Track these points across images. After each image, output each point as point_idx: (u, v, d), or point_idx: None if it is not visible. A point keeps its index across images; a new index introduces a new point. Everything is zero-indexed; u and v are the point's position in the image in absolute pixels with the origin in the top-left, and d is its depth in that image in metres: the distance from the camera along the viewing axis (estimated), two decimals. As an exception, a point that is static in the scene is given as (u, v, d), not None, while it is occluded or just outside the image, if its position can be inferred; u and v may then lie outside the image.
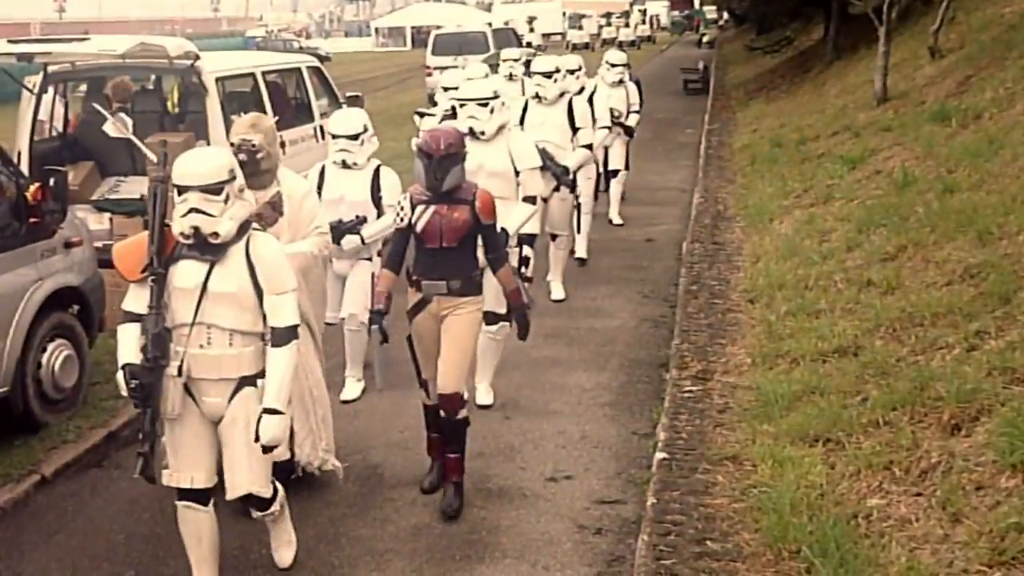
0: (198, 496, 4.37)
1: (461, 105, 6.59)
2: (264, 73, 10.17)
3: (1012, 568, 3.86)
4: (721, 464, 5.33)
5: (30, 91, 9.18)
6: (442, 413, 5.28)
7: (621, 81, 11.39)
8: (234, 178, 4.24)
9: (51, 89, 9.53)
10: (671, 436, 5.75)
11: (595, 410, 6.61)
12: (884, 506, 4.53)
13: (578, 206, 9.46)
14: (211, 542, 4.46)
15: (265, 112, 9.81)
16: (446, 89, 9.29)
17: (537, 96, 8.53)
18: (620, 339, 7.99)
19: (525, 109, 8.57)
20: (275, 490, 4.53)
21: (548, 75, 8.56)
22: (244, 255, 4.23)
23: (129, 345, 4.23)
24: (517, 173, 6.54)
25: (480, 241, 5.31)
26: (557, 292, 9.03)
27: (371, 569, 4.80)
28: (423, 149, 5.17)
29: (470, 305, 5.31)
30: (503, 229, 5.83)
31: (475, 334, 5.41)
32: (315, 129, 10.77)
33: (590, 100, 9.50)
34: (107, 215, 8.75)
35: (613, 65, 11.44)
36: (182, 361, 4.22)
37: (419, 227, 5.21)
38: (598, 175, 10.55)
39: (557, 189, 8.34)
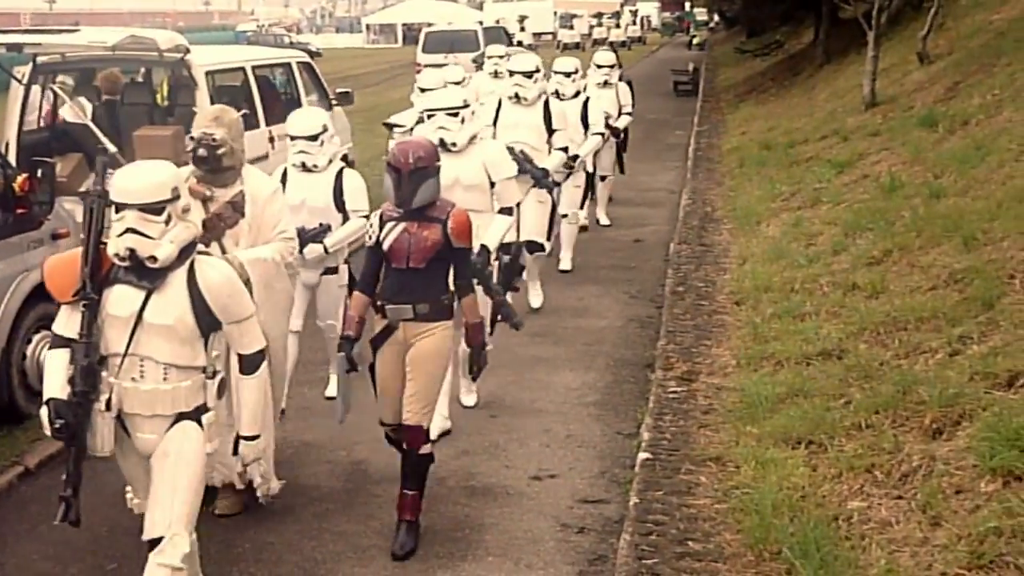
0: None
1: (429, 116, 6.22)
2: (254, 68, 10.15)
3: (991, 571, 3.89)
4: (704, 465, 5.35)
5: (19, 81, 9.15)
6: (403, 445, 4.98)
7: (607, 83, 11.12)
8: (177, 197, 3.88)
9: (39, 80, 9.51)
10: (655, 436, 5.77)
11: (580, 409, 6.63)
12: (865, 508, 4.56)
13: (560, 215, 9.12)
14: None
15: (254, 107, 9.82)
16: (423, 91, 8.98)
17: (516, 96, 8.16)
18: (606, 339, 8.00)
19: (499, 109, 8.24)
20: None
21: (528, 75, 8.21)
22: (186, 283, 3.88)
23: (56, 377, 3.86)
24: (492, 184, 6.25)
25: (452, 265, 4.96)
26: (535, 299, 8.64)
27: (354, 565, 4.80)
28: (391, 163, 4.83)
29: (439, 330, 4.94)
30: (484, 246, 5.70)
31: (444, 360, 5.03)
32: (305, 125, 10.73)
33: (585, 104, 9.31)
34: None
35: (599, 66, 11.22)
36: (111, 395, 3.87)
37: (386, 245, 4.86)
38: (589, 183, 10.22)
39: (537, 186, 7.95)
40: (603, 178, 11.41)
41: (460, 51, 23.60)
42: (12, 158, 8.40)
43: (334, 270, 6.33)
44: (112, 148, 7.87)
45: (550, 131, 8.19)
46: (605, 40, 53.91)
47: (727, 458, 5.36)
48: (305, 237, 6.00)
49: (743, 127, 18.19)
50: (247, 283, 4.51)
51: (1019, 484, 4.25)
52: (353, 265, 6.28)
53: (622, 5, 76.30)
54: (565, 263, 9.80)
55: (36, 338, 6.38)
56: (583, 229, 10.72)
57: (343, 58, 49.48)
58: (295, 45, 45.76)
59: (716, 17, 57.61)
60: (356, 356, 4.94)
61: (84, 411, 3.85)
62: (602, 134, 9.69)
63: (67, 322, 3.90)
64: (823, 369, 6.10)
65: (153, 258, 3.79)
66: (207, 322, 3.92)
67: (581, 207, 10.14)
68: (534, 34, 51.95)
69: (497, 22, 36.24)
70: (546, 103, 8.23)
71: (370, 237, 4.94)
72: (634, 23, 65.27)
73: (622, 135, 11.58)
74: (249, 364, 4.07)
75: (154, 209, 3.80)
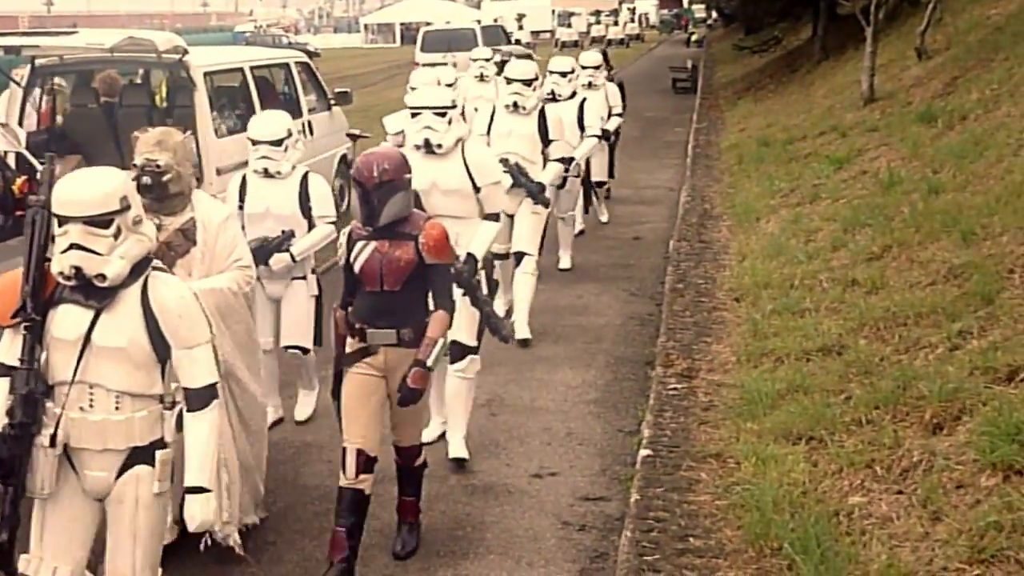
0: None
1: (415, 114, 5.87)
2: (252, 68, 10.16)
3: (991, 566, 3.89)
4: (705, 461, 5.36)
5: (18, 84, 9.16)
6: (397, 460, 4.82)
7: (592, 84, 10.77)
8: (127, 208, 3.46)
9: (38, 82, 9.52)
10: (656, 433, 5.78)
11: (581, 407, 6.64)
12: (865, 504, 4.57)
13: (556, 216, 9.08)
14: None
15: (253, 107, 9.82)
16: (414, 89, 8.63)
17: (515, 105, 7.74)
18: (606, 337, 8.01)
19: (492, 117, 7.86)
20: None
21: (528, 83, 7.82)
22: (139, 302, 3.49)
23: None
24: (477, 189, 5.83)
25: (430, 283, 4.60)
26: (522, 331, 7.74)
27: (358, 564, 4.80)
28: (355, 177, 4.49)
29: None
30: (470, 255, 5.47)
31: (430, 385, 4.74)
32: (303, 125, 10.76)
33: (581, 105, 9.06)
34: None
35: (584, 67, 10.89)
36: (56, 428, 3.46)
37: (357, 267, 4.53)
38: (586, 189, 10.07)
39: (533, 201, 7.65)
40: (600, 184, 11.34)
41: (458, 50, 23.59)
42: (11, 160, 8.39)
43: (301, 277, 6.05)
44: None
45: (546, 141, 7.84)
46: (603, 38, 54.03)
47: (727, 454, 5.37)
48: (269, 247, 5.79)
49: (741, 124, 18.19)
50: None
51: (1019, 478, 4.26)
52: (322, 278, 6.15)
53: (620, 3, 76.38)
54: (565, 262, 9.74)
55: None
56: (580, 233, 10.65)
57: (341, 58, 49.50)
58: (293, 45, 45.79)
59: (714, 14, 57.59)
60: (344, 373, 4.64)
61: (23, 446, 3.44)
62: (598, 136, 9.47)
63: (8, 348, 3.49)
64: (823, 365, 6.11)
65: (102, 276, 3.40)
66: (164, 346, 3.53)
67: (586, 211, 10.07)
68: (532, 32, 52.01)
69: (495, 21, 36.25)
70: (541, 112, 7.85)
71: (341, 256, 4.65)
72: (632, 21, 65.38)
73: (612, 137, 11.40)
74: (197, 399, 3.56)
75: (101, 222, 3.40)
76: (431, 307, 4.59)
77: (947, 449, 4.70)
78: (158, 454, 3.56)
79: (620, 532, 4.86)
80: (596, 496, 5.43)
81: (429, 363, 4.46)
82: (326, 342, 5.72)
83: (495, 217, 5.90)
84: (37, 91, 9.63)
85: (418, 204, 5.37)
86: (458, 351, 5.62)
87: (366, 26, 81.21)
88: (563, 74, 9.25)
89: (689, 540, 4.60)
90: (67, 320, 3.47)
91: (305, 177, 5.95)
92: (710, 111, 21.61)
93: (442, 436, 5.96)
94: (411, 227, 4.52)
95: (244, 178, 5.96)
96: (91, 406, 3.49)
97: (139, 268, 3.51)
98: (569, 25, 60.16)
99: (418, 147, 5.72)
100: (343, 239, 4.64)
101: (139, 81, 11.04)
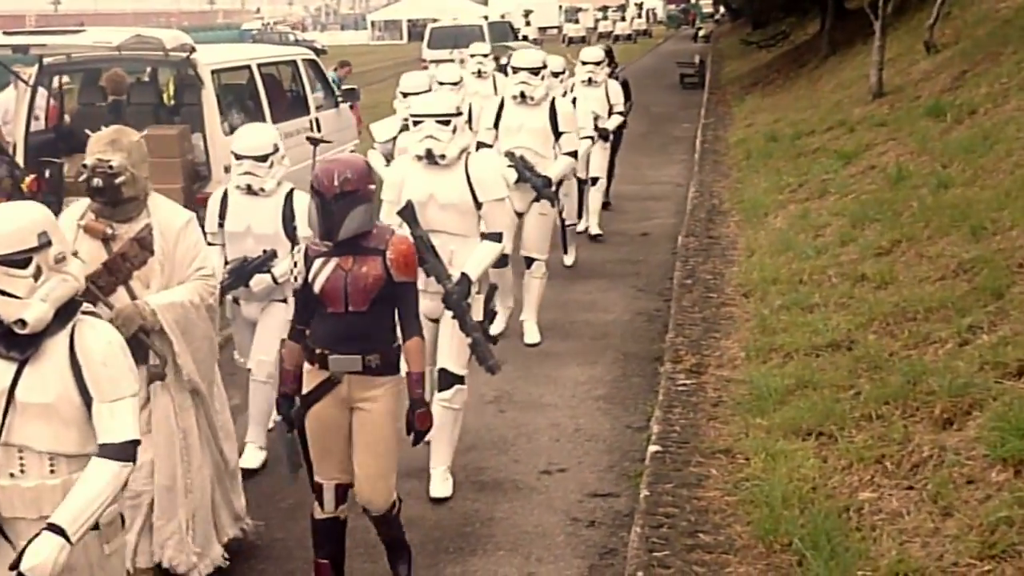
0: None
1: (416, 122, 5.40)
2: (260, 66, 10.16)
3: (1002, 561, 3.88)
4: (714, 457, 5.35)
5: (25, 83, 9.17)
6: (369, 516, 4.40)
7: (591, 80, 10.39)
8: (47, 244, 3.09)
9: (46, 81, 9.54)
10: (664, 429, 5.77)
11: (589, 403, 6.63)
12: (875, 499, 4.55)
13: (563, 223, 8.87)
14: None
15: (261, 105, 9.82)
16: (406, 95, 8.16)
17: (522, 95, 7.48)
18: (614, 333, 8.00)
19: (500, 110, 7.59)
20: None
21: (535, 71, 7.53)
22: (67, 351, 3.10)
23: None
24: (479, 205, 5.39)
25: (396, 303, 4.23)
26: (531, 335, 7.68)
27: (364, 561, 4.80)
28: (314, 186, 4.10)
29: (388, 388, 4.22)
30: (464, 275, 5.12)
31: (397, 424, 4.28)
32: (311, 122, 10.77)
33: (572, 106, 8.49)
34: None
35: (584, 63, 10.53)
36: None
37: (317, 286, 4.13)
38: (580, 190, 9.80)
39: (537, 200, 7.47)
40: (594, 181, 10.65)
41: (465, 46, 23.58)
42: (20, 159, 8.42)
43: (282, 300, 5.60)
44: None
45: (556, 134, 7.54)
46: (610, 34, 53.90)
47: (737, 450, 5.36)
48: (249, 267, 5.46)
49: (749, 119, 18.15)
50: (160, 332, 4.11)
51: (1030, 473, 4.25)
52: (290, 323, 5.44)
53: (627, -2, 76.14)
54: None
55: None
56: (584, 231, 10.50)
57: (348, 55, 49.52)
58: (300, 43, 45.76)
59: (721, 9, 57.47)
60: (295, 414, 4.26)
61: None
62: (591, 137, 9.17)
63: None
64: (832, 360, 6.09)
65: (21, 322, 3.03)
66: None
67: (579, 216, 9.71)
68: (539, 28, 51.91)
69: (502, 17, 36.19)
70: (552, 103, 7.57)
71: (295, 277, 4.24)
72: (639, 16, 65.13)
73: (612, 136, 10.83)
74: (111, 453, 3.09)
75: (17, 261, 3.04)
76: (399, 332, 4.25)
77: (957, 444, 4.69)
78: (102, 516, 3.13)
79: (629, 528, 4.86)
80: (605, 492, 5.42)
81: (428, 398, 4.25)
82: None
83: (496, 237, 5.41)
84: (44, 90, 9.64)
85: (415, 217, 5.25)
86: (445, 379, 5.32)
87: (373, 23, 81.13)
88: (555, 74, 8.97)
89: (699, 536, 4.60)
90: None
91: (290, 195, 5.51)
92: (718, 106, 21.57)
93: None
94: (376, 241, 4.15)
95: (225, 193, 5.59)
96: (22, 471, 3.12)
97: (66, 312, 3.12)
98: (576, 21, 60.01)
99: (420, 158, 5.36)
100: (298, 257, 4.23)
101: (146, 79, 11.05)
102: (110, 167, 4.10)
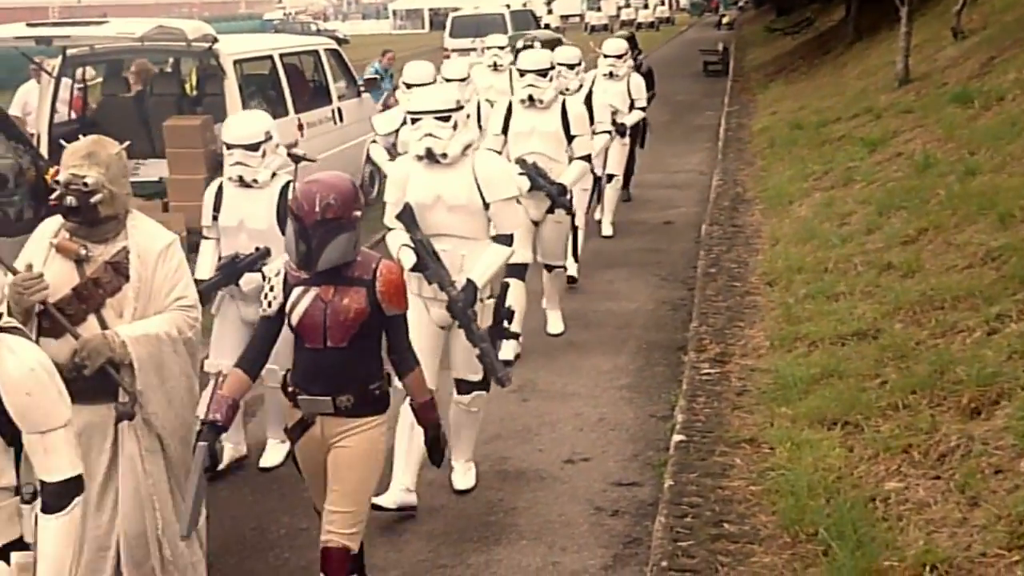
0: None
1: (415, 119, 5.08)
2: (282, 56, 10.18)
3: (1030, 552, 3.84)
4: (738, 447, 5.32)
5: (49, 74, 9.22)
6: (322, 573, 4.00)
7: (612, 74, 10.07)
8: None
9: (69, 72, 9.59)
10: (688, 418, 5.74)
11: (612, 392, 6.61)
12: (902, 489, 4.52)
13: (574, 230, 8.14)
14: None
15: (283, 95, 9.84)
16: (409, 86, 7.88)
17: (531, 99, 7.04)
18: (637, 322, 7.98)
19: (508, 113, 7.15)
20: None
21: (543, 73, 7.07)
22: None
23: None
24: (487, 206, 5.10)
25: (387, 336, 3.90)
26: (555, 325, 7.68)
27: (388, 550, 4.81)
28: (292, 209, 3.75)
29: (364, 429, 3.86)
30: (470, 282, 4.90)
31: (375, 465, 3.95)
32: (333, 111, 10.79)
33: (588, 100, 8.24)
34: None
35: (605, 56, 10.17)
36: None
37: (294, 318, 3.78)
38: (595, 186, 9.23)
39: (551, 211, 7.06)
40: (610, 178, 10.34)
41: (487, 35, 23.56)
42: (43, 149, 8.47)
43: None
44: None
45: (569, 137, 7.11)
46: (633, 21, 53.72)
47: (761, 440, 5.32)
48: (240, 265, 5.15)
49: (773, 107, 18.03)
50: (129, 366, 3.70)
51: (1059, 463, 4.20)
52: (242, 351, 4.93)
53: (650, -14, 75.81)
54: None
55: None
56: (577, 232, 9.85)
57: (370, 45, 49.48)
58: (322, 32, 45.85)
59: (745, -4, 57.20)
60: (219, 450, 4.02)
61: None
62: (609, 132, 8.71)
63: None
64: (857, 349, 6.05)
65: None
66: (12, 427, 2.84)
67: (587, 212, 9.00)
68: (561, 17, 51.84)
69: (524, 5, 36.08)
70: (563, 105, 7.14)
71: (268, 304, 3.84)
72: (662, 3, 64.96)
73: (628, 131, 10.41)
74: (54, 496, 2.85)
75: None
76: (383, 370, 3.93)
77: (985, 434, 4.64)
78: (14, 556, 2.87)
79: (653, 517, 4.84)
80: (629, 481, 5.41)
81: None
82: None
83: (506, 240, 5.14)
84: (68, 80, 9.70)
85: (414, 220, 4.99)
86: (464, 386, 5.20)
87: (394, 12, 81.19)
88: (570, 66, 8.58)
89: (723, 526, 4.57)
90: None
91: (286, 188, 5.20)
92: (741, 94, 21.45)
93: (403, 511, 5.08)
94: (361, 270, 3.78)
95: (220, 186, 5.32)
96: None
97: None
98: (599, 9, 59.92)
99: (420, 157, 5.05)
100: (276, 281, 3.86)
101: (169, 70, 11.09)
102: (85, 184, 3.70)
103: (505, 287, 5.33)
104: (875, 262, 7.37)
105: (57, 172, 6.30)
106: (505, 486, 5.41)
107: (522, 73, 7.20)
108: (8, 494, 2.86)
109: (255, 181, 5.17)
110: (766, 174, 12.28)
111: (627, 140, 10.51)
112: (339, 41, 19.00)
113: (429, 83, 7.56)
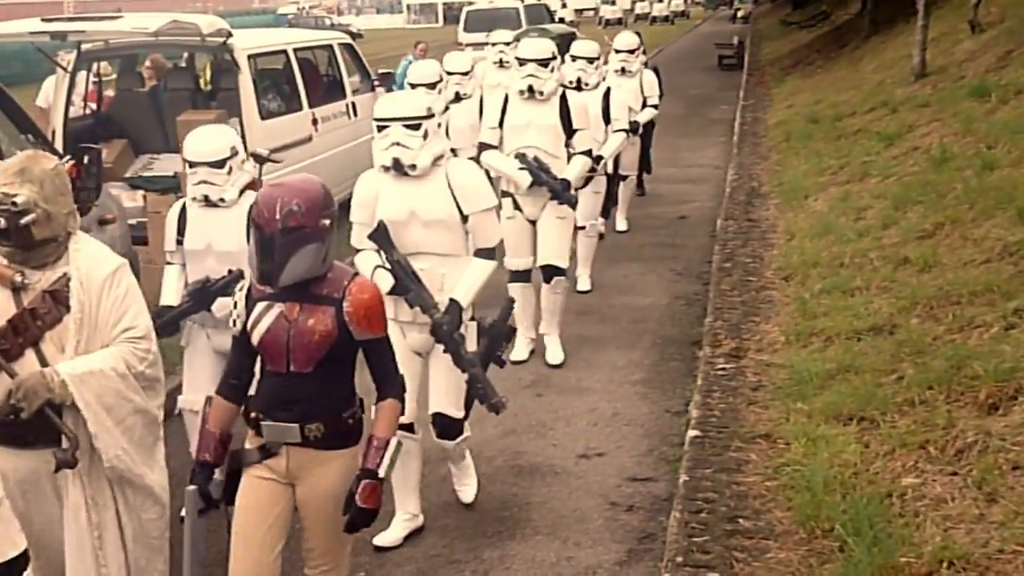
0: None
1: (381, 127, 4.62)
2: (296, 50, 10.18)
3: (1049, 549, 3.82)
4: (754, 442, 5.30)
5: (64, 69, 9.24)
6: None
7: (625, 70, 9.78)
8: None
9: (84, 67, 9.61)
10: (704, 414, 5.72)
11: (627, 387, 6.60)
12: (919, 485, 4.49)
13: (576, 226, 7.78)
14: None
15: (297, 89, 9.84)
16: (414, 86, 7.61)
17: (530, 90, 6.58)
18: (652, 317, 7.96)
19: (505, 106, 6.71)
20: None
21: (544, 63, 6.63)
22: None
23: None
24: (465, 219, 4.68)
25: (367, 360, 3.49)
26: (554, 354, 6.98)
27: (402, 545, 4.81)
28: (253, 217, 3.33)
29: (337, 465, 3.45)
30: (453, 301, 4.54)
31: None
32: (347, 106, 10.78)
33: (606, 96, 8.01)
34: (140, 192, 8.81)
35: (618, 51, 9.85)
36: None
37: (255, 337, 3.40)
38: (609, 188, 8.76)
39: (557, 201, 6.60)
40: (624, 178, 10.12)
41: (501, 29, 23.54)
42: (59, 145, 8.49)
43: None
44: None
45: (569, 132, 6.68)
46: (648, 15, 53.56)
47: (777, 435, 5.30)
48: (211, 289, 4.77)
49: (789, 100, 17.97)
50: (72, 407, 3.34)
51: (1078, 459, 4.17)
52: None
53: (664, -21, 75.54)
54: (583, 283, 8.46)
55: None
56: (599, 238, 9.48)
57: (384, 39, 49.52)
58: (336, 27, 45.85)
59: (760, -11, 56.95)
60: (214, 488, 3.52)
61: None
62: (626, 130, 8.30)
63: None
64: (874, 345, 6.02)
65: None
66: None
67: (604, 215, 8.85)
68: (576, 11, 51.67)
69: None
70: (563, 97, 6.67)
71: (235, 321, 3.51)
72: (677, -3, 64.62)
73: (641, 129, 10.14)
74: None
75: None
76: (356, 397, 3.53)
77: (1002, 430, 4.61)
78: None
79: (668, 513, 4.83)
80: (643, 477, 5.40)
81: (382, 473, 3.37)
82: None
83: (488, 254, 4.74)
84: (83, 76, 9.72)
85: (389, 239, 4.61)
86: (443, 425, 4.76)
87: (408, 7, 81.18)
88: (590, 60, 8.24)
89: (738, 521, 4.55)
90: None
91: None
92: (757, 88, 21.37)
93: (409, 535, 4.91)
94: (331, 288, 3.38)
95: (184, 207, 4.92)
96: None
97: None
98: (613, 2, 59.54)
99: (387, 168, 4.61)
100: (239, 296, 3.52)
101: (183, 64, 11.11)
102: (14, 203, 3.30)
103: (510, 303, 4.92)
104: (891, 257, 7.34)
105: (73, 168, 6.34)
106: (519, 481, 5.41)
107: (522, 63, 6.76)
108: None
109: (222, 200, 4.73)
110: (781, 168, 12.23)
111: (637, 139, 10.22)
112: (353, 35, 19.00)
113: (435, 82, 7.40)
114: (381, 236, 4.61)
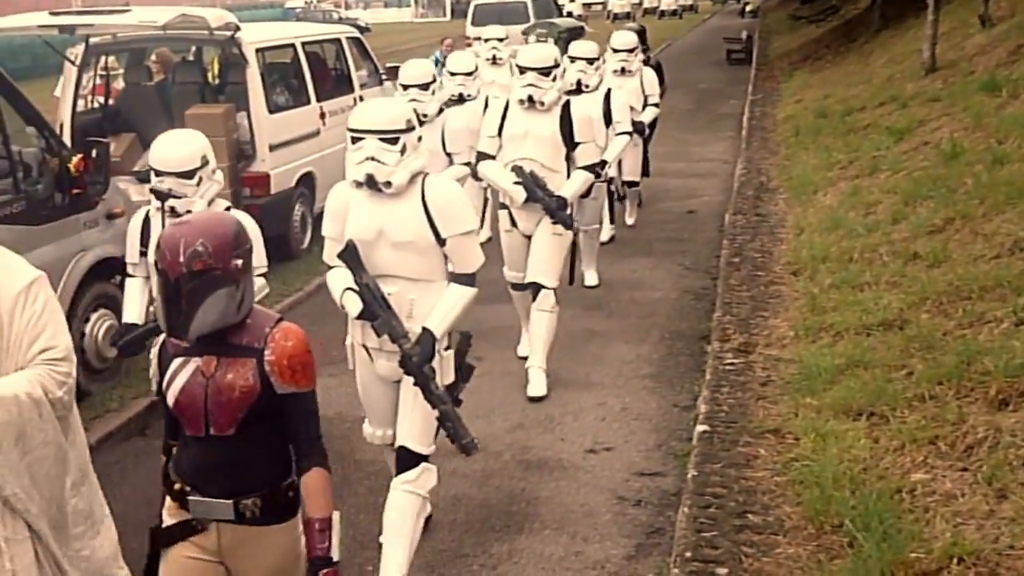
0: None
1: (355, 139, 4.19)
2: (304, 44, 10.17)
3: (1060, 545, 3.80)
4: (763, 437, 5.28)
5: (72, 63, 9.24)
6: None
7: (625, 70, 9.52)
8: None
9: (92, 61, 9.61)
10: (712, 409, 5.71)
11: (635, 382, 6.59)
12: (928, 481, 4.47)
13: (584, 231, 7.87)
14: None
15: (305, 83, 9.83)
16: (407, 87, 7.08)
17: (530, 99, 6.24)
18: (661, 311, 7.94)
19: (505, 114, 6.41)
20: None
21: (546, 72, 6.24)
22: None
23: None
24: (442, 241, 4.25)
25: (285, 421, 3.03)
26: (537, 385, 6.40)
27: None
28: (156, 262, 2.90)
29: (279, 540, 3.05)
30: (426, 330, 4.16)
31: (303, 567, 3.09)
32: (355, 100, 10.77)
33: (607, 98, 7.86)
34: (148, 186, 8.81)
35: (616, 50, 9.57)
36: None
37: (170, 397, 2.99)
38: (610, 193, 8.57)
39: (552, 220, 6.28)
40: (632, 184, 9.98)
41: (510, 23, 23.45)
42: (67, 138, 8.50)
43: None
44: None
45: (570, 144, 6.31)
46: (656, 9, 53.42)
47: (786, 430, 5.29)
48: (142, 331, 4.62)
49: (798, 95, 17.90)
50: None
51: (1089, 456, 4.15)
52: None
53: (673, -27, 75.29)
54: (591, 278, 8.42)
55: (94, 317, 6.48)
56: (610, 240, 9.58)
57: (392, 33, 49.54)
58: (344, 21, 45.84)
59: (769, -16, 56.73)
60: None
61: None
62: (629, 132, 8.05)
63: None
64: (883, 340, 5.99)
65: None
66: None
67: (612, 221, 8.77)
68: (584, 4, 51.60)
69: (546, -7, 35.92)
70: (566, 107, 6.31)
71: (152, 380, 3.16)
72: (685, -9, 64.40)
73: (646, 131, 9.87)
74: None
75: None
76: (295, 460, 3.06)
77: (1013, 425, 4.59)
78: None
79: (676, 508, 4.82)
80: (652, 471, 5.39)
81: (336, 556, 2.99)
82: None
83: (467, 280, 4.31)
84: (91, 69, 9.72)
85: (358, 260, 4.26)
86: (406, 460, 4.36)
87: (416, 0, 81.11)
88: (589, 61, 7.95)
89: (747, 516, 4.54)
90: None
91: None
92: (765, 82, 21.30)
93: (428, 524, 4.73)
94: (251, 337, 2.96)
95: (147, 217, 4.63)
96: None
97: None
98: (621, -4, 59.46)
99: (359, 184, 4.21)
100: (154, 352, 3.14)
101: (191, 58, 11.11)
102: None
103: (467, 337, 4.39)
104: (901, 252, 7.31)
105: (81, 161, 6.34)
106: (528, 476, 5.40)
107: (522, 70, 6.38)
108: None
109: (189, 212, 4.38)
110: (790, 163, 12.19)
111: (638, 140, 9.88)
112: (361, 29, 18.98)
113: (428, 83, 7.05)
114: (350, 256, 4.27)
